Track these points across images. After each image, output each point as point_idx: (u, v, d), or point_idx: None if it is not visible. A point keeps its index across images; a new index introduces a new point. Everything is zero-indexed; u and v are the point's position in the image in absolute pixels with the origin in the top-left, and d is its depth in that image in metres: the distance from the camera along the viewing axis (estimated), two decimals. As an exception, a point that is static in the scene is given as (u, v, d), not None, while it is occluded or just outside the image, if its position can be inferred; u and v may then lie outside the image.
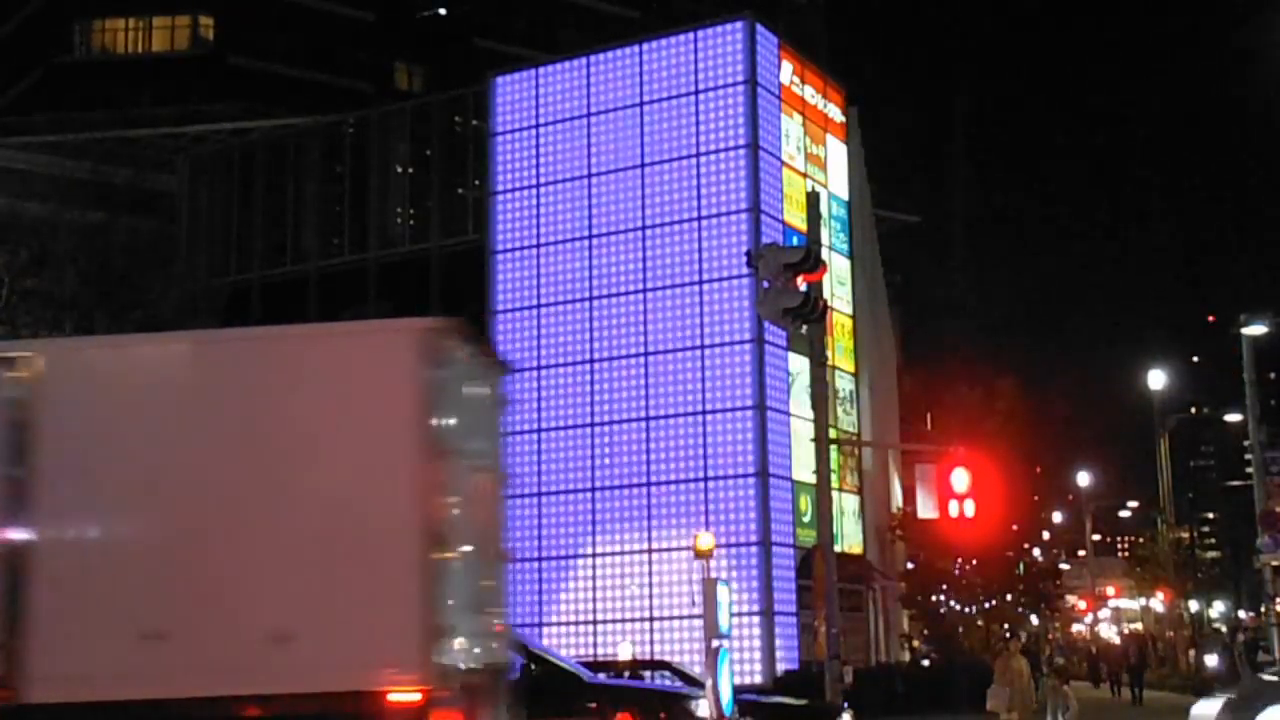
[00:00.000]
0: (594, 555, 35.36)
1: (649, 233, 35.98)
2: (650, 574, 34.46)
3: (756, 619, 32.96)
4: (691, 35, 36.42)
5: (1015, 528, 43.38)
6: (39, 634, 10.39)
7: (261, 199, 44.14)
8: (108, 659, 10.36)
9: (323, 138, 44.41)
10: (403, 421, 10.44)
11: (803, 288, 16.48)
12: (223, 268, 43.75)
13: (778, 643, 33.06)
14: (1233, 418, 55.46)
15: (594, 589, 35.17)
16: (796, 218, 35.19)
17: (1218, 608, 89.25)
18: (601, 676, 18.08)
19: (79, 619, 10.41)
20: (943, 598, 42.94)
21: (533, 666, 15.69)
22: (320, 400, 10.74)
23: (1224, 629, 69.27)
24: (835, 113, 40.21)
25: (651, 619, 34.18)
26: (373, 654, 10.17)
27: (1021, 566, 47.23)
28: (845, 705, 19.84)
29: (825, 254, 25.59)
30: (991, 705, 21.22)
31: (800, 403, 33.99)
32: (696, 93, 35.96)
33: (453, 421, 10.73)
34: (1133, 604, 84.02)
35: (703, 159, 35.60)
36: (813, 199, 19.24)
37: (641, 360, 35.55)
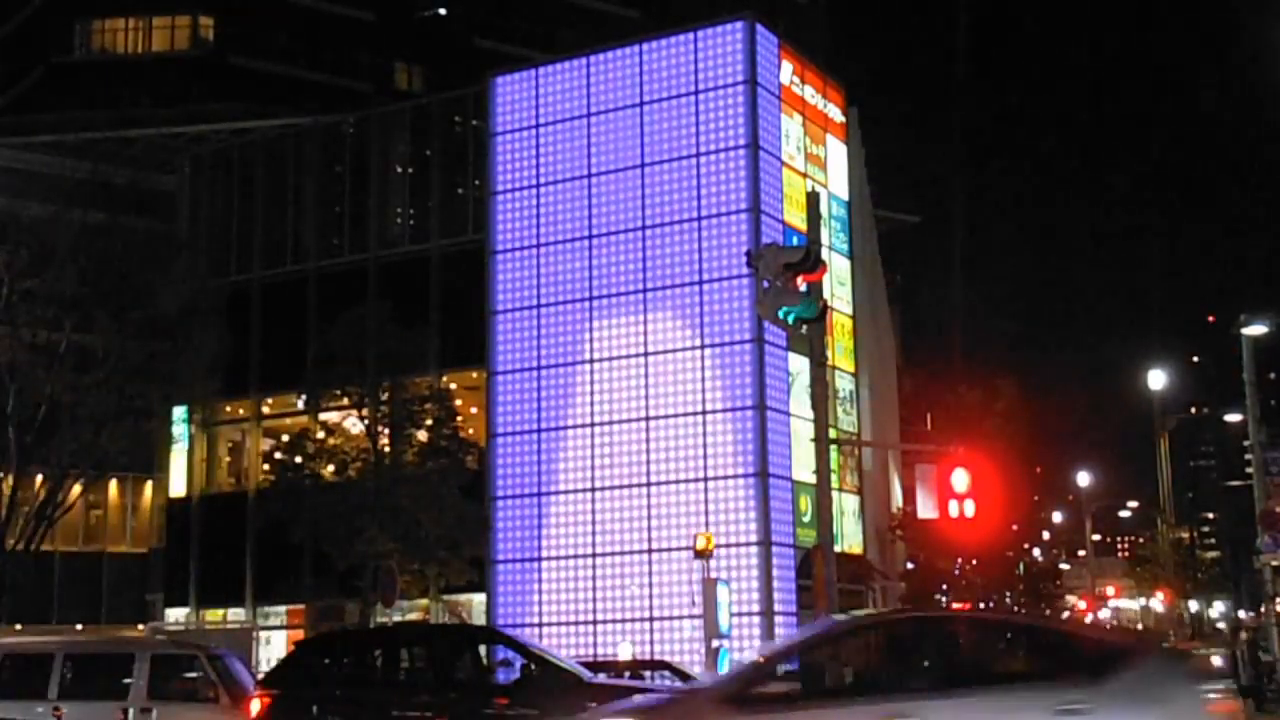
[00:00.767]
0: (594, 555, 35.35)
1: (649, 233, 35.98)
2: (650, 574, 34.45)
3: (756, 619, 32.96)
4: (691, 35, 36.41)
5: (1015, 528, 43.41)
6: None
7: (261, 199, 44.14)
8: None
9: (323, 138, 44.40)
10: None
11: (803, 288, 16.47)
12: (223, 268, 43.74)
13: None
14: (1233, 418, 55.44)
15: (594, 589, 35.16)
16: (796, 218, 35.18)
17: (1218, 608, 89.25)
18: (601, 676, 18.08)
19: None
20: (943, 598, 42.92)
21: (532, 667, 15.71)
22: None
23: (1224, 629, 69.27)
24: (835, 113, 40.21)
25: (651, 619, 34.17)
26: None
27: (1021, 566, 47.25)
28: None
29: (825, 254, 25.54)
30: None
31: (800, 403, 33.98)
32: (696, 93, 35.96)
33: None
34: (1133, 604, 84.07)
35: (703, 159, 35.60)
36: (813, 199, 19.21)
37: (641, 360, 35.55)
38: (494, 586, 36.43)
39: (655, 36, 37.17)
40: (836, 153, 40.10)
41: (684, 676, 20.42)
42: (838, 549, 22.81)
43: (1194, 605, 75.01)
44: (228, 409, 42.89)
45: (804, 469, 33.73)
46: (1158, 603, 68.30)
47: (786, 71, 37.40)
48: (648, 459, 35.02)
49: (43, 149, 46.10)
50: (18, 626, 35.60)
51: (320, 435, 34.46)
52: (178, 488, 43.96)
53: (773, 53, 36.78)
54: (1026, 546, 48.84)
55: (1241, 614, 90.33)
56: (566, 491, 36.00)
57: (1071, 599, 77.48)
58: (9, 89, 60.09)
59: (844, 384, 38.62)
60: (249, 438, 43.08)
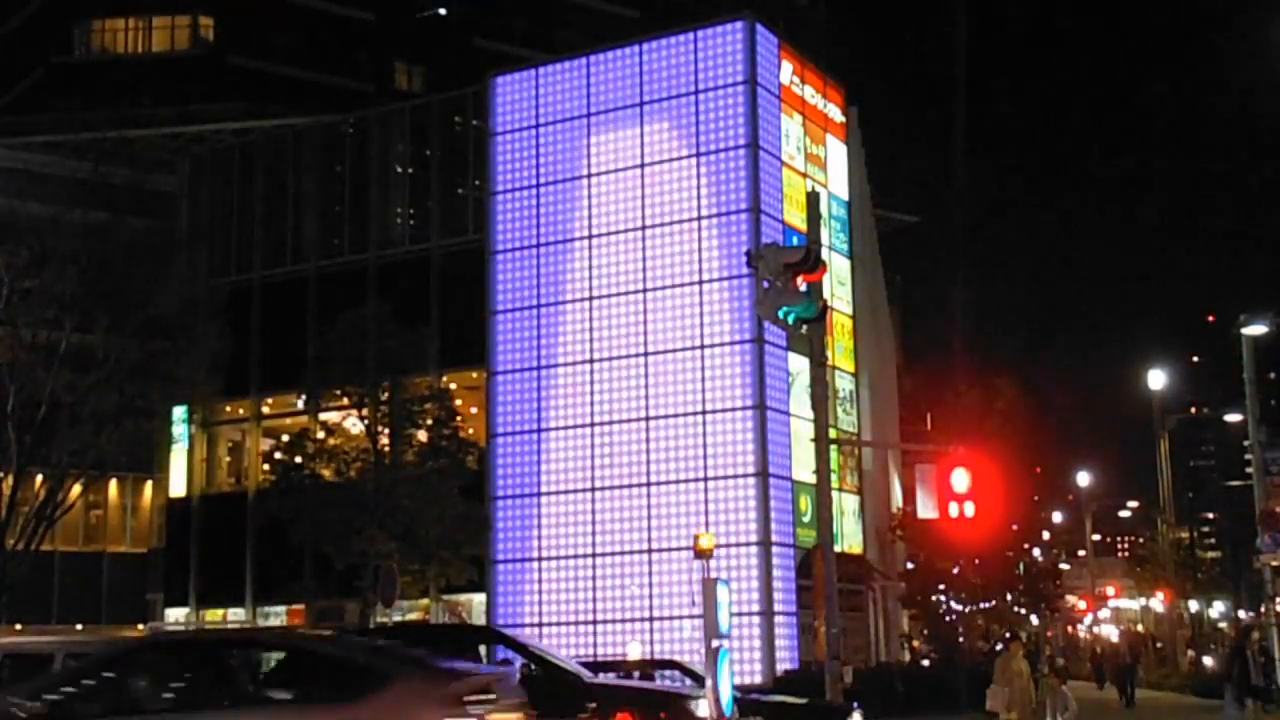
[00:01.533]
0: (594, 555, 35.35)
1: (649, 233, 35.98)
2: (650, 574, 34.45)
3: (756, 619, 32.96)
4: (691, 35, 36.41)
5: (1015, 528, 43.29)
6: None
7: (261, 199, 44.14)
8: None
9: (323, 138, 44.41)
10: None
11: (803, 288, 16.48)
12: (223, 268, 43.76)
13: (778, 643, 33.06)
14: (1233, 418, 55.39)
15: (594, 589, 35.16)
16: (796, 218, 35.19)
17: (1218, 608, 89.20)
18: (608, 676, 18.06)
19: None
20: (943, 598, 42.91)
21: (532, 667, 15.70)
22: None
23: (1230, 629, 69.23)
24: (835, 113, 40.21)
25: (651, 619, 34.18)
26: None
27: (1021, 566, 47.17)
28: (857, 705, 19.87)
29: (825, 254, 25.56)
30: (991, 705, 21.23)
31: (800, 403, 33.98)
32: (696, 93, 35.96)
33: None
34: (1133, 604, 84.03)
35: (703, 159, 35.60)
36: (813, 199, 19.23)
37: (641, 360, 35.55)
38: (494, 586, 36.43)
39: (655, 36, 37.16)
40: (836, 153, 40.10)
41: (694, 676, 20.38)
42: (838, 549, 22.82)
43: (1194, 605, 74.95)
44: (228, 409, 42.90)
45: (804, 469, 33.73)
46: (1158, 603, 68.27)
47: (786, 71, 37.39)
48: (648, 459, 35.02)
49: (43, 149, 46.07)
50: (18, 626, 35.60)
51: (320, 435, 34.46)
52: (178, 488, 43.96)
53: (773, 53, 36.78)
54: (1026, 546, 48.67)
55: (1241, 614, 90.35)
56: (566, 491, 36.00)
57: (1071, 599, 77.46)
58: (9, 89, 60.10)
59: (844, 384, 38.63)
60: (249, 438, 43.08)
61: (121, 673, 10.49)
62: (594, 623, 34.96)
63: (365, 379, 32.55)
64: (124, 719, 10.01)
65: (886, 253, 47.44)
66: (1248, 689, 22.46)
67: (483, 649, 17.23)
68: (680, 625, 32.96)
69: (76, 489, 35.37)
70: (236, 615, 41.10)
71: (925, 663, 40.70)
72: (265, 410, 42.64)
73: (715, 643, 14.36)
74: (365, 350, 32.27)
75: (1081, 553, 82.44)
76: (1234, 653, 22.37)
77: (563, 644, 32.91)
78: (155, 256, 35.93)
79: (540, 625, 35.03)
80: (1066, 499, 77.97)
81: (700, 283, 35.15)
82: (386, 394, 32.76)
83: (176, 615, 42.53)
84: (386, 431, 32.88)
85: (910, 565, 43.17)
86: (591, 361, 36.22)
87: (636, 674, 20.60)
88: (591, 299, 36.48)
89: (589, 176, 36.99)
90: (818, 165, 38.56)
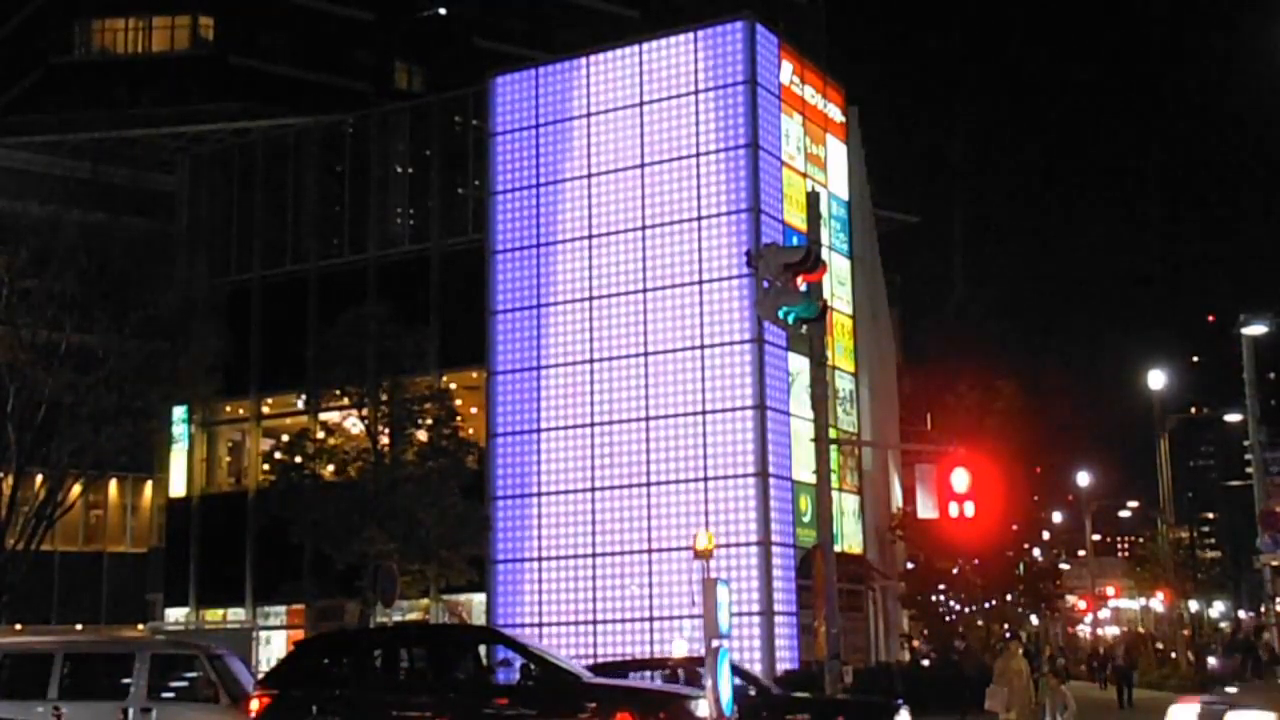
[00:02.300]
0: (594, 555, 35.35)
1: (649, 233, 35.97)
2: (650, 574, 34.45)
3: (756, 619, 32.95)
4: (691, 35, 36.40)
5: (1015, 528, 43.32)
6: None
7: (261, 199, 44.11)
8: None
9: (323, 138, 44.40)
10: None
11: (803, 288, 16.47)
12: (223, 268, 43.74)
13: (778, 643, 33.06)
14: (1233, 418, 55.40)
15: (594, 589, 35.16)
16: (796, 218, 35.19)
17: (1218, 608, 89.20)
18: (648, 675, 17.90)
19: None
20: (943, 598, 42.91)
21: (532, 667, 15.71)
22: None
23: (1235, 629, 69.18)
24: (835, 113, 40.20)
25: (651, 619, 34.17)
26: None
27: (1021, 566, 47.17)
28: (901, 702, 19.88)
29: (825, 254, 25.57)
30: (990, 705, 21.24)
31: (800, 403, 33.99)
32: (696, 93, 35.95)
33: None
34: (1133, 604, 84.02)
35: (703, 159, 35.59)
36: (813, 199, 19.21)
37: (641, 360, 35.54)
38: (494, 586, 36.43)
39: (655, 36, 37.16)
40: (836, 153, 40.10)
41: (745, 676, 20.24)
42: (838, 549, 22.82)
43: (1194, 605, 74.88)
44: (228, 409, 42.88)
45: (804, 469, 33.73)
46: (1158, 603, 68.24)
47: (786, 71, 37.39)
48: (648, 459, 35.02)
49: (43, 149, 46.14)
50: (18, 626, 35.59)
51: (320, 435, 34.43)
52: (178, 488, 43.94)
53: (773, 53, 36.77)
54: (1026, 546, 48.68)
55: (1242, 614, 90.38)
56: (566, 491, 35.99)
57: (1071, 599, 77.45)
58: (9, 89, 60.11)
59: (844, 384, 38.63)
60: (249, 438, 43.07)
61: None
62: (594, 623, 34.95)
63: (365, 379, 32.54)
64: None
65: (886, 253, 47.43)
66: None
67: (482, 650, 17.21)
68: (680, 625, 32.95)
69: (76, 489, 35.39)
70: (236, 615, 41.08)
71: (925, 663, 40.68)
72: (265, 410, 42.62)
73: (715, 643, 14.35)
74: (365, 350, 32.25)
75: (1081, 553, 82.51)
76: (1245, 653, 22.40)
77: (562, 644, 32.91)
78: (155, 256, 35.99)
79: (540, 625, 35.03)
80: (1066, 499, 78.01)
81: (700, 283, 35.15)
82: (386, 394, 32.74)
83: (176, 615, 42.51)
84: (386, 431, 32.87)
85: (910, 565, 43.16)
86: (591, 361, 36.22)
87: (681, 672, 20.42)
88: (591, 299, 36.47)
89: (589, 176, 36.99)
90: (818, 165, 38.56)
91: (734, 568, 32.49)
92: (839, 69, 42.54)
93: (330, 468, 33.31)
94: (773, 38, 36.91)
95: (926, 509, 20.48)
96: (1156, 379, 48.75)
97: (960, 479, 19.02)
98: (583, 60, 37.75)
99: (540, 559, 36.01)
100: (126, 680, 17.55)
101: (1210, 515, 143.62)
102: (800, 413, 34.16)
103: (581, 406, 36.13)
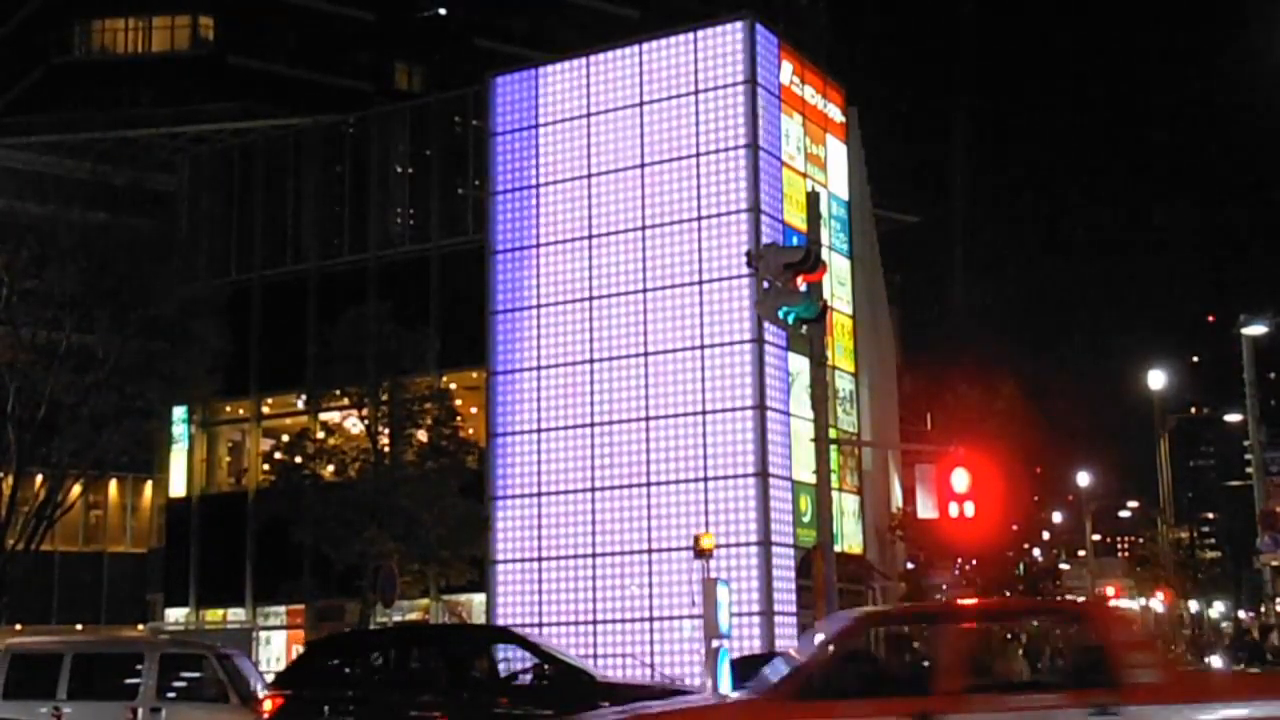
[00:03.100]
0: (594, 555, 35.34)
1: (649, 233, 35.97)
2: (650, 574, 34.44)
3: (756, 619, 32.95)
4: (691, 35, 36.39)
5: (1015, 528, 43.37)
6: None
7: (261, 199, 44.11)
8: None
9: (323, 138, 44.38)
10: None
11: (803, 288, 16.46)
12: (223, 268, 43.72)
13: (778, 643, 33.02)
14: (1233, 418, 55.43)
15: (594, 589, 35.15)
16: (796, 218, 35.18)
17: (1218, 608, 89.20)
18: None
19: None
20: (941, 598, 42.89)
21: (545, 667, 15.78)
22: None
23: (1240, 627, 69.18)
24: (835, 113, 40.20)
25: (651, 619, 34.17)
26: None
27: (1021, 566, 47.22)
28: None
29: (825, 254, 25.57)
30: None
31: (800, 403, 33.98)
32: (696, 93, 35.94)
33: None
34: (1133, 604, 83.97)
35: (703, 159, 35.58)
36: (813, 199, 19.20)
37: (641, 360, 35.54)
38: (494, 586, 36.42)
39: (655, 36, 37.14)
40: (836, 153, 40.09)
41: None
42: (838, 549, 22.81)
43: (1194, 605, 74.95)
44: (228, 409, 42.87)
45: (804, 469, 33.72)
46: (1158, 603, 68.29)
47: (786, 71, 37.39)
48: (648, 459, 35.01)
49: (43, 149, 46.11)
50: (18, 626, 35.58)
51: (320, 435, 34.45)
52: (178, 488, 43.93)
53: (773, 53, 36.77)
54: (1026, 546, 48.78)
55: (1242, 614, 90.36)
56: (566, 491, 35.98)
57: (1071, 599, 77.34)
58: (9, 89, 60.14)
59: (844, 384, 38.62)
60: (249, 438, 43.06)
61: None
62: (594, 623, 34.94)
63: (365, 379, 32.54)
64: None
65: (886, 253, 47.43)
66: None
67: (495, 650, 17.24)
68: (680, 625, 32.97)
69: (76, 489, 35.38)
70: (236, 615, 41.08)
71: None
72: (265, 410, 42.61)
73: (715, 643, 14.36)
74: (365, 350, 32.25)
75: (1081, 553, 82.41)
76: (1252, 653, 22.35)
77: (562, 644, 32.85)
78: (155, 256, 35.92)
79: (540, 625, 35.00)
80: (1066, 499, 77.95)
81: (700, 283, 35.14)
82: (386, 394, 32.75)
83: (176, 615, 42.50)
84: (386, 431, 32.87)
85: (910, 565, 43.18)
86: (591, 361, 36.21)
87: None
88: (591, 299, 36.46)
89: (589, 176, 36.98)
90: (818, 165, 38.56)
91: (734, 568, 32.49)
92: (839, 69, 42.55)
93: (330, 468, 33.31)
94: (773, 38, 36.90)
95: (926, 509, 20.48)
96: (1156, 379, 48.80)
97: (960, 479, 19.02)
98: (583, 60, 37.74)
99: (540, 559, 36.00)
100: (135, 680, 17.58)
101: (1210, 515, 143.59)
102: (800, 413, 34.16)
103: (581, 406, 36.12)
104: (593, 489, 35.63)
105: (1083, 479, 69.51)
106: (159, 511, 46.67)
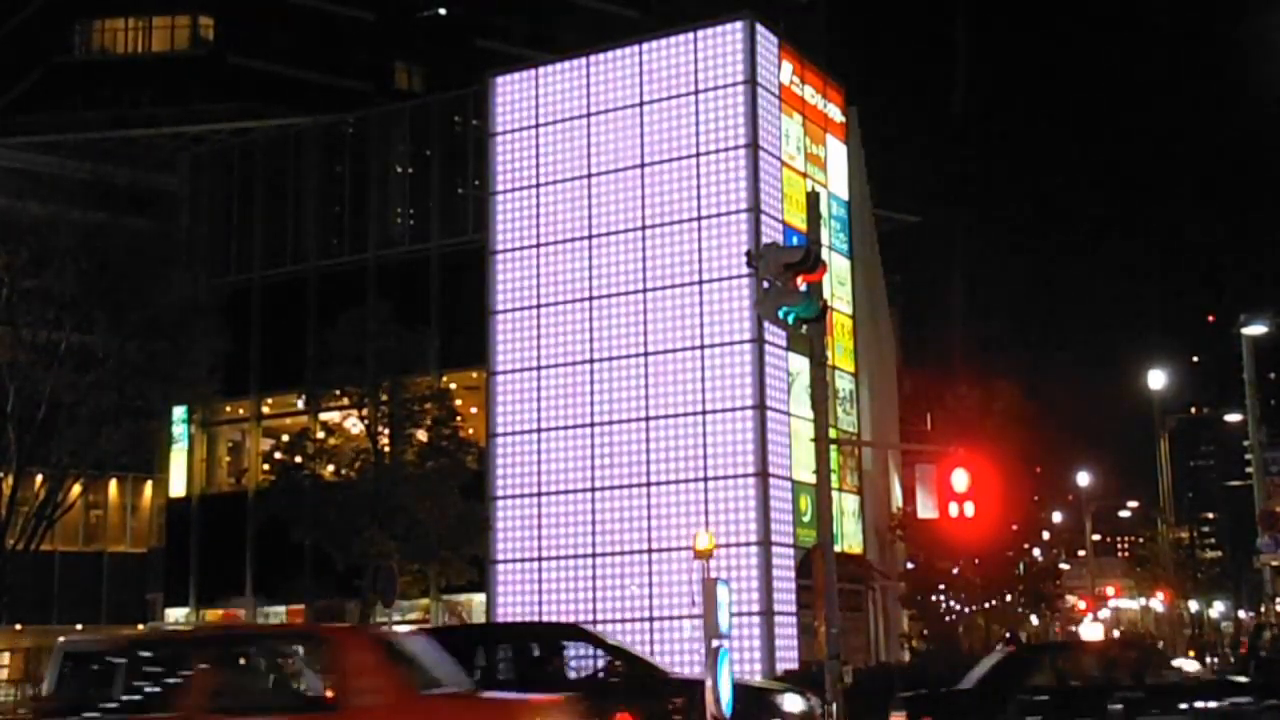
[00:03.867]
0: (594, 555, 35.34)
1: (649, 233, 35.97)
2: (650, 574, 34.44)
3: (756, 619, 32.95)
4: (691, 35, 36.39)
5: (1015, 528, 43.31)
6: None
7: (261, 199, 44.13)
8: None
9: (323, 138, 44.40)
10: None
11: (803, 288, 16.44)
12: (223, 268, 43.74)
13: (778, 643, 33.05)
14: (1233, 418, 55.43)
15: (594, 589, 35.16)
16: (796, 218, 35.18)
17: (1218, 608, 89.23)
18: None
19: None
20: (942, 598, 42.91)
21: (617, 663, 16.01)
22: None
23: (1232, 629, 69.25)
24: (835, 113, 40.20)
25: (651, 619, 34.17)
26: None
27: (1021, 566, 47.19)
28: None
29: (825, 254, 25.56)
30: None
31: (800, 403, 33.99)
32: (696, 93, 35.95)
33: None
34: (1133, 604, 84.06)
35: (702, 159, 35.59)
36: (813, 199, 19.17)
37: (641, 360, 35.54)
38: (494, 586, 36.43)
39: (655, 36, 37.15)
40: (836, 153, 40.10)
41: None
42: (838, 549, 22.79)
43: (1194, 605, 74.93)
44: (228, 409, 42.89)
45: (804, 469, 33.73)
46: (1158, 603, 68.29)
47: (786, 71, 37.39)
48: (648, 459, 35.01)
49: (43, 149, 46.17)
50: (18, 627, 35.63)
51: (320, 435, 34.45)
52: (178, 488, 43.95)
53: (773, 52, 36.77)
54: (1026, 546, 48.68)
55: (1241, 614, 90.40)
56: (566, 491, 35.99)
57: (1071, 599, 77.43)
58: (9, 89, 60.08)
59: (844, 384, 38.62)
60: (249, 438, 43.08)
61: None
62: (594, 623, 34.89)
63: (365, 379, 32.55)
64: None
65: (886, 253, 47.44)
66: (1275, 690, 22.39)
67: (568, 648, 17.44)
68: (680, 625, 32.96)
69: (76, 489, 35.38)
70: (236, 615, 41.09)
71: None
72: (265, 410, 42.64)
73: (715, 643, 14.35)
74: (365, 350, 32.26)
75: (1081, 553, 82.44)
76: (1252, 653, 22.35)
77: (563, 644, 32.87)
78: (155, 256, 35.94)
79: (540, 625, 35.01)
80: (1066, 499, 77.96)
81: (700, 283, 35.14)
82: (386, 394, 32.76)
83: (176, 615, 42.53)
84: (386, 431, 32.88)
85: (910, 565, 43.16)
86: (591, 361, 36.21)
87: None
88: (591, 299, 36.47)
89: (589, 176, 36.98)
90: (818, 165, 38.56)
91: (734, 568, 32.49)
92: (839, 69, 42.52)
93: (330, 468, 33.32)
94: (773, 38, 36.90)
95: (926, 509, 20.46)
96: (1156, 379, 48.77)
97: (960, 479, 19.00)
98: (583, 60, 37.74)
99: (540, 559, 36.00)
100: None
101: (1210, 515, 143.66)
102: (800, 413, 34.16)
103: (581, 406, 36.12)
104: (593, 489, 35.63)
105: (1083, 479, 69.49)
106: (159, 511, 46.70)
